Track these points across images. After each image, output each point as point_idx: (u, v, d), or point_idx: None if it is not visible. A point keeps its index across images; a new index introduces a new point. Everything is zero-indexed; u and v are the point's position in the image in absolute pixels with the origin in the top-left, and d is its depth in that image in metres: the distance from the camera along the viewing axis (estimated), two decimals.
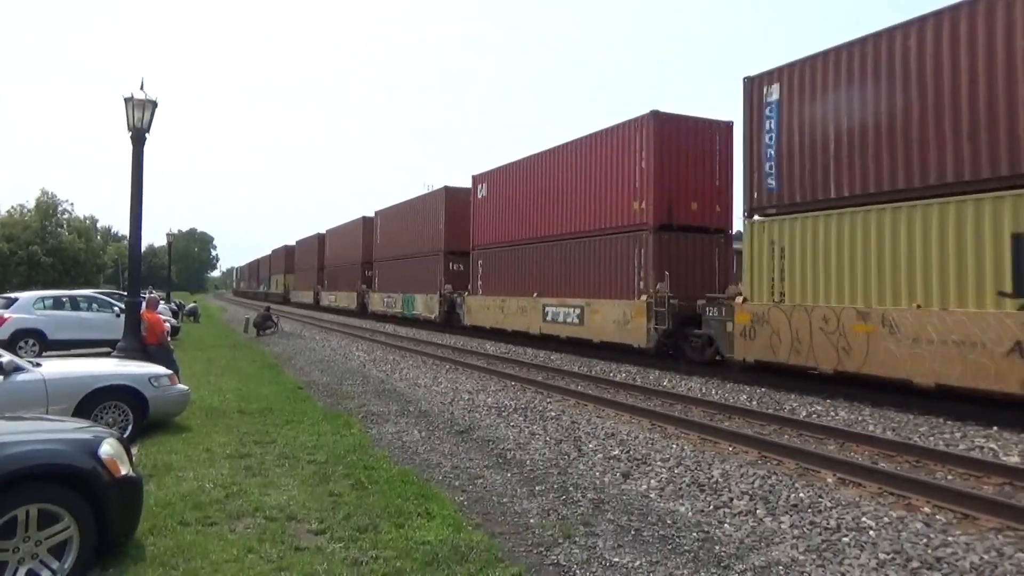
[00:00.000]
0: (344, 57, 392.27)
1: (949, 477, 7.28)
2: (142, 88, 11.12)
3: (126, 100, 11.04)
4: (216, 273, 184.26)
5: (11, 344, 16.93)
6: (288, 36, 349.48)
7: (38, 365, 8.08)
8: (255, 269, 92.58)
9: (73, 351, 17.40)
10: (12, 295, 19.56)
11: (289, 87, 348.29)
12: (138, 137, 11.23)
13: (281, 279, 68.15)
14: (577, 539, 5.41)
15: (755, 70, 14.12)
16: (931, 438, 9.07)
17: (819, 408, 11.10)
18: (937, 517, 5.91)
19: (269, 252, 77.86)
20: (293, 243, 64.61)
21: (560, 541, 5.38)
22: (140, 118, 11.15)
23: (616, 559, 5.02)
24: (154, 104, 11.29)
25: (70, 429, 5.03)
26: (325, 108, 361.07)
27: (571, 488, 6.80)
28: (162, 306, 27.72)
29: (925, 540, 5.34)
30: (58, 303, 18.90)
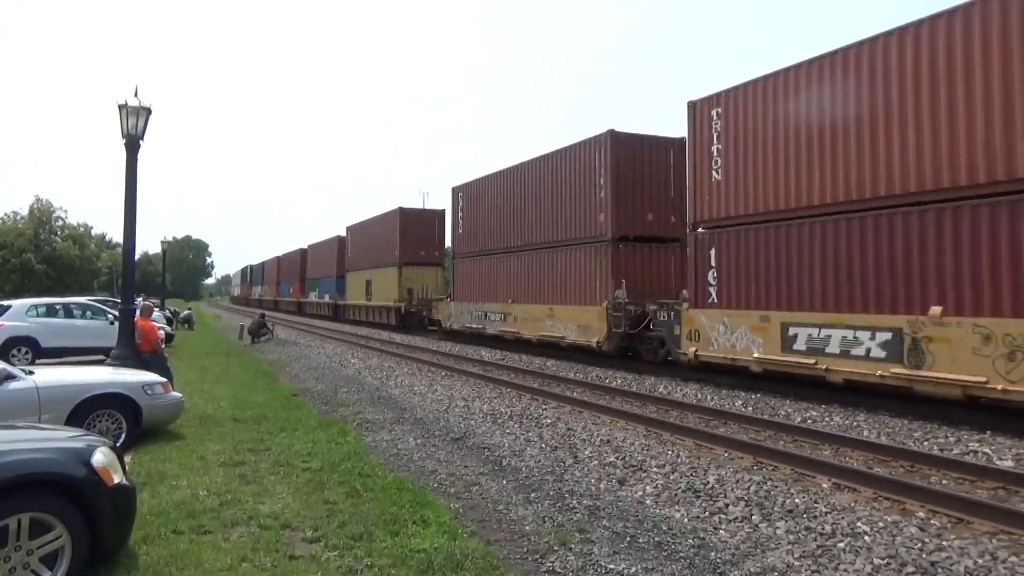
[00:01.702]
0: (339, 65, 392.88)
1: (944, 482, 7.29)
2: (136, 95, 11.11)
3: (120, 107, 11.02)
4: (211, 280, 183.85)
5: (4, 352, 16.87)
6: (283, 44, 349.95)
7: (31, 373, 8.04)
8: (294, 266, 56.03)
9: (66, 359, 17.34)
10: (5, 303, 19.47)
11: (285, 95, 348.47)
12: (132, 144, 11.21)
13: (389, 281, 33.41)
14: (573, 546, 5.40)
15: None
16: (925, 443, 9.09)
17: (814, 413, 11.11)
18: (932, 522, 5.92)
19: (333, 236, 46.24)
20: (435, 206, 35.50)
21: (556, 548, 5.37)
22: (134, 125, 11.13)
23: (612, 566, 5.01)
24: (148, 111, 11.27)
25: (63, 438, 5.01)
26: (321, 115, 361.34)
27: (567, 495, 6.80)
28: (156, 313, 27.70)
29: (919, 545, 5.35)
30: (51, 311, 18.84)
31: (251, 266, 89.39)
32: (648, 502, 6.64)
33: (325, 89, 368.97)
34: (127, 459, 7.94)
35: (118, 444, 8.26)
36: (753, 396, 12.79)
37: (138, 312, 11.79)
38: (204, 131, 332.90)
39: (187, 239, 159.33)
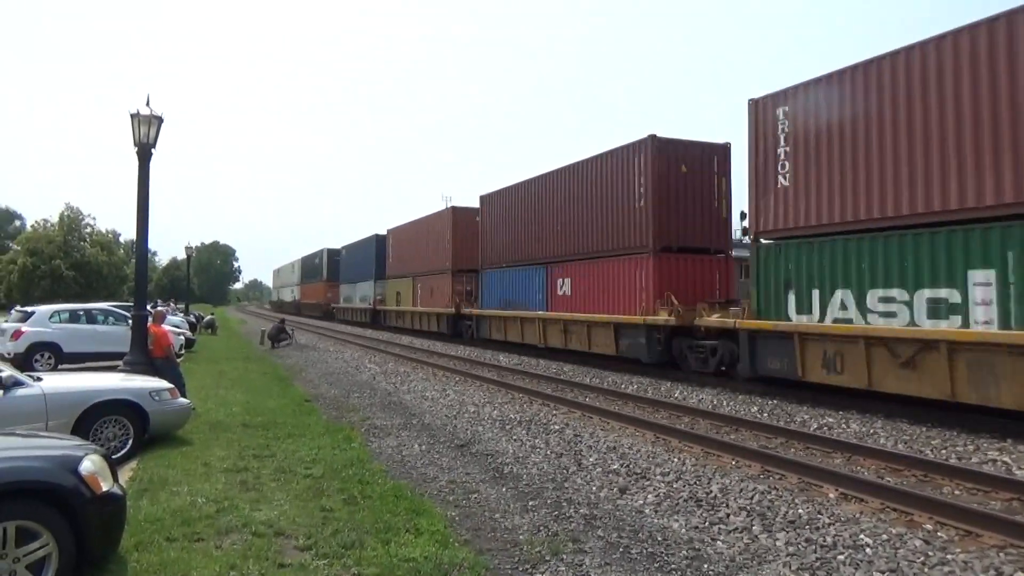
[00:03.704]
0: (359, 68, 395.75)
1: (956, 492, 7.09)
2: (148, 104, 11.25)
3: (132, 116, 11.16)
4: (238, 285, 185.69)
5: (27, 357, 17.20)
6: (305, 48, 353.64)
7: (39, 379, 8.13)
8: (528, 229, 23.11)
9: (89, 364, 17.62)
10: (29, 308, 19.83)
11: (309, 102, 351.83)
12: (144, 153, 11.35)
13: None
14: (565, 556, 5.32)
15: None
16: (943, 451, 8.87)
17: (831, 420, 10.90)
18: (938, 534, 5.74)
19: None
20: None
21: (547, 558, 5.29)
22: (146, 133, 11.26)
23: None
24: (160, 120, 11.39)
25: (53, 445, 5.04)
26: (342, 121, 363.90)
27: (565, 503, 6.71)
28: (179, 318, 28.07)
29: (922, 558, 5.18)
30: (74, 316, 19.12)
31: (330, 252, 55.01)
32: (647, 511, 6.52)
33: (347, 93, 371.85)
34: (133, 464, 8.06)
35: (125, 450, 8.38)
36: (770, 402, 12.59)
37: (151, 318, 11.90)
38: (231, 138, 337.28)
39: (214, 244, 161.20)
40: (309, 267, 63.73)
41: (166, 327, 12.11)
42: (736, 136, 15.36)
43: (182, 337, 22.08)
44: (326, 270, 56.01)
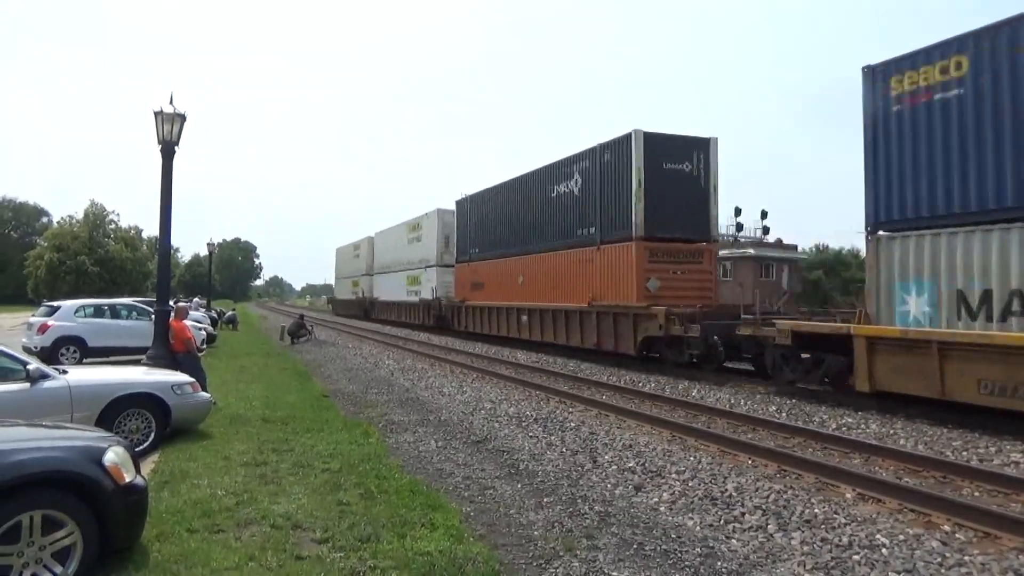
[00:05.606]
0: (378, 67, 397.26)
1: (976, 494, 7.02)
2: (171, 102, 11.40)
3: (156, 114, 11.32)
4: (259, 282, 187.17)
5: (53, 351, 17.51)
6: (325, 53, 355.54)
7: (64, 372, 8.28)
8: None
9: (113, 358, 17.90)
10: (55, 303, 20.17)
11: (323, 100, 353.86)
12: (167, 150, 11.50)
13: None
14: (578, 552, 5.35)
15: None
16: (964, 453, 8.78)
17: (849, 421, 10.82)
18: (956, 535, 5.70)
19: None
20: None
21: (561, 554, 5.32)
22: (169, 131, 11.42)
23: (615, 573, 4.95)
24: (183, 118, 11.55)
25: (77, 437, 5.14)
26: (352, 123, 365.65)
27: (579, 500, 6.73)
28: (200, 313, 28.38)
29: (939, 559, 5.15)
30: (99, 311, 19.43)
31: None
32: (662, 509, 6.53)
33: (360, 98, 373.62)
34: (155, 457, 8.20)
35: (148, 442, 8.52)
36: (788, 402, 12.51)
37: (172, 313, 12.05)
38: (254, 139, 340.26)
39: (236, 241, 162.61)
40: (531, 211, 23.85)
41: (187, 322, 12.26)
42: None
43: (203, 332, 22.32)
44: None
